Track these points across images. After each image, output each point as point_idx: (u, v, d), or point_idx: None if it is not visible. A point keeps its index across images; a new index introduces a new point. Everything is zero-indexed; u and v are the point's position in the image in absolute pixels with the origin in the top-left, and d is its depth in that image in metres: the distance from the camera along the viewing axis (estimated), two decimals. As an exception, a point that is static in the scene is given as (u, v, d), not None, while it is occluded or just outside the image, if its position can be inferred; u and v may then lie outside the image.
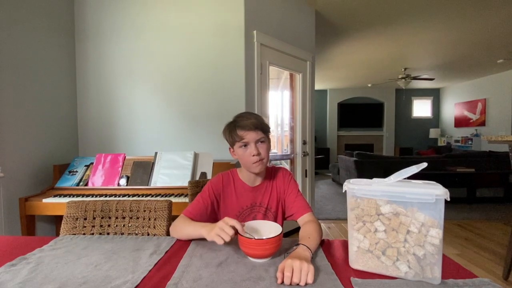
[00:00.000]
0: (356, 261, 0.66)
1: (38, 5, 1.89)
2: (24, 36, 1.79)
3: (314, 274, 0.60)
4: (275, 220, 0.99)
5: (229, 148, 0.98)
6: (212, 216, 0.97)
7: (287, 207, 1.00)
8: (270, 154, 0.99)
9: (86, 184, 1.80)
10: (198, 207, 0.93)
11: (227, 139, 0.96)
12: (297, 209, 0.95)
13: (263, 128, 0.93)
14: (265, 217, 0.98)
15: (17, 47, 1.74)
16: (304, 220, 0.91)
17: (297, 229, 2.81)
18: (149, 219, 0.98)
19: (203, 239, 0.78)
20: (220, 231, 0.71)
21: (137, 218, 0.99)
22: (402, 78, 5.56)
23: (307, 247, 0.71)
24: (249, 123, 0.90)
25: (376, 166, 4.23)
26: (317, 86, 7.35)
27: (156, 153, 1.90)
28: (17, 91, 1.74)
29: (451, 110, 7.47)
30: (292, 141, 2.86)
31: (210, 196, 0.96)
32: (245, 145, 0.91)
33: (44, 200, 1.61)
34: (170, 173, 1.80)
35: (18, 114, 1.74)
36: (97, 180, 1.81)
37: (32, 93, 1.84)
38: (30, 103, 1.83)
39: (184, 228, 0.85)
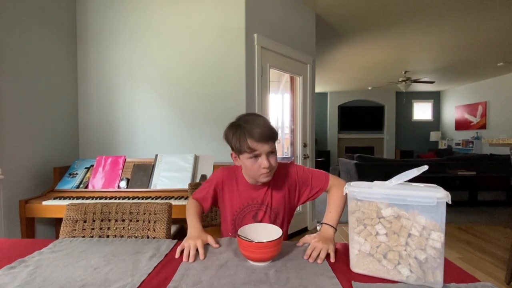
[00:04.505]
0: (357, 265, 0.65)
1: (40, 7, 1.91)
2: (26, 39, 1.80)
3: (334, 252, 0.73)
4: (277, 219, 0.97)
5: (231, 154, 0.92)
6: (215, 203, 1.01)
7: (311, 190, 0.99)
8: None
9: (86, 187, 1.80)
10: (203, 193, 0.99)
11: (233, 146, 0.88)
12: (319, 185, 0.97)
13: (274, 138, 0.87)
14: (265, 214, 0.96)
15: (19, 49, 1.75)
16: (328, 190, 0.97)
17: (302, 230, 2.80)
18: (149, 222, 0.97)
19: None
20: (186, 248, 0.74)
21: (137, 220, 0.98)
22: (402, 81, 5.57)
23: (329, 225, 0.84)
24: (261, 133, 0.82)
25: (377, 169, 4.22)
26: (318, 89, 7.36)
27: (156, 156, 1.90)
28: (18, 93, 1.75)
29: (451, 113, 7.47)
30: (292, 143, 2.85)
31: (212, 186, 0.98)
32: (255, 156, 0.85)
33: (44, 203, 1.61)
34: (171, 175, 1.80)
35: (19, 116, 1.75)
36: (97, 182, 1.81)
37: (33, 95, 1.85)
38: (31, 105, 1.84)
39: (187, 215, 0.92)
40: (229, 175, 0.99)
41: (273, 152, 0.87)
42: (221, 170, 1.01)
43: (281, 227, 0.97)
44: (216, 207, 1.04)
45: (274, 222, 0.96)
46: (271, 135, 0.85)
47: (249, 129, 0.83)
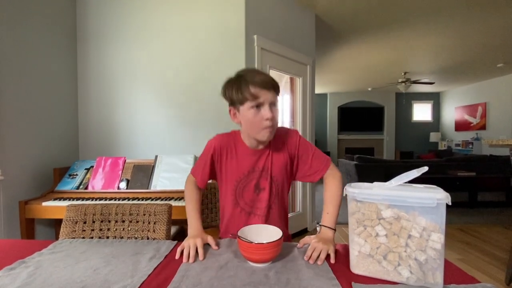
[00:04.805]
0: (357, 266, 0.65)
1: (40, 8, 1.91)
2: (26, 39, 1.80)
3: (334, 252, 0.72)
4: (278, 188, 0.94)
5: (229, 110, 0.87)
6: (214, 176, 0.96)
7: (308, 169, 0.93)
8: None
9: (86, 188, 1.80)
10: (201, 168, 0.94)
11: (232, 98, 0.82)
12: (318, 167, 0.91)
13: (276, 88, 0.82)
14: (266, 182, 0.91)
15: (19, 50, 1.75)
16: (324, 178, 0.92)
17: (302, 231, 2.79)
18: (149, 223, 0.97)
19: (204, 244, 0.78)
20: (186, 248, 0.73)
21: (137, 221, 0.98)
22: (402, 82, 5.58)
23: (328, 227, 0.82)
24: (263, 79, 0.78)
25: (377, 170, 4.22)
26: (317, 90, 7.37)
27: (156, 157, 1.90)
28: (18, 93, 1.75)
29: (451, 114, 7.48)
30: (292, 144, 2.85)
31: (209, 156, 0.92)
32: (258, 106, 0.79)
33: (44, 204, 1.61)
34: (170, 176, 1.80)
35: (19, 116, 1.74)
36: (97, 183, 1.81)
37: (33, 96, 1.85)
38: (31, 106, 1.84)
39: (187, 209, 0.91)
40: (227, 141, 0.92)
41: (275, 104, 0.83)
42: (217, 137, 0.93)
43: (282, 198, 0.96)
44: (214, 180, 0.98)
45: (275, 191, 0.93)
46: (273, 84, 0.81)
47: (251, 76, 0.80)
